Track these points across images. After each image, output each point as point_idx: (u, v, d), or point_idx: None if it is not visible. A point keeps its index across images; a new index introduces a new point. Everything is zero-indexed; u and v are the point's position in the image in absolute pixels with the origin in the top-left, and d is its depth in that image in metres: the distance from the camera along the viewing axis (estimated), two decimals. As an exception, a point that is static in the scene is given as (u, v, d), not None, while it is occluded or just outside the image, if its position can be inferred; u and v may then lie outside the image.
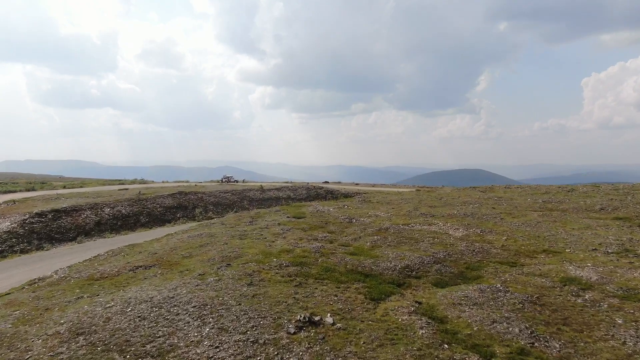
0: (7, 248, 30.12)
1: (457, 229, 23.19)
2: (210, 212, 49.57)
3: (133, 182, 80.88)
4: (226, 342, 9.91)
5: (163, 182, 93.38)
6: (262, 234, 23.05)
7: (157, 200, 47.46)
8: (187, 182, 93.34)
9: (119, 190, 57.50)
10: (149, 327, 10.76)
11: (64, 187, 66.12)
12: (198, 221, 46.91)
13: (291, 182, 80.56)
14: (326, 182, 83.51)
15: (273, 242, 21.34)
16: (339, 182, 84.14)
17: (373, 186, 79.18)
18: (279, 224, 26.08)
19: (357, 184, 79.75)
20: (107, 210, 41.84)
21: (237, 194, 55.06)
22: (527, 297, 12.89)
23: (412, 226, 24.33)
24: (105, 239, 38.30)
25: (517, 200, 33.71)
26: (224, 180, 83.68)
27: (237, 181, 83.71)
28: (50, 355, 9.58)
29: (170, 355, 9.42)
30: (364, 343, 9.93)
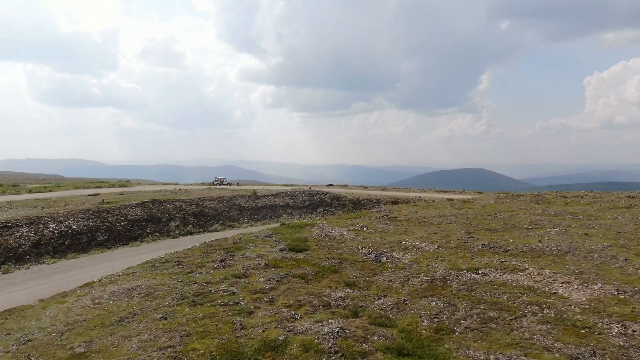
0: None
1: (569, 282, 13.41)
2: (190, 226, 39.78)
3: (117, 184, 71.13)
4: None
5: (150, 183, 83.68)
6: (234, 293, 13.30)
7: (122, 211, 37.68)
8: (176, 184, 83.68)
9: (88, 195, 47.76)
10: None
11: (30, 192, 56.26)
12: (173, 237, 37.18)
13: (291, 186, 70.80)
14: (330, 185, 73.66)
15: (250, 315, 11.61)
16: (345, 185, 74.23)
17: (384, 189, 69.29)
18: (266, 264, 16.29)
19: (365, 187, 69.93)
20: (52, 225, 32.04)
21: (225, 202, 45.27)
22: None
23: (486, 274, 14.54)
24: (43, 265, 28.60)
25: (603, 218, 23.89)
26: (215, 182, 73.89)
27: (230, 184, 73.88)
28: None
29: None
30: None
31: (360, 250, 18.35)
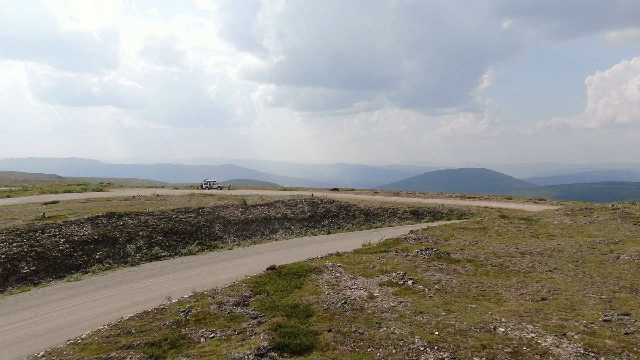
0: None
1: None
2: (158, 247, 30.17)
3: (91, 188, 61.52)
4: None
5: (133, 186, 74.03)
6: None
7: (64, 229, 28.07)
8: (162, 187, 74.03)
9: (44, 204, 38.15)
10: None
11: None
12: (132, 264, 27.63)
13: (289, 190, 61.09)
14: (335, 190, 64.02)
15: None
16: (352, 190, 64.48)
17: (397, 195, 59.55)
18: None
19: (376, 192, 60.29)
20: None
21: (206, 214, 35.64)
22: None
23: None
24: None
25: None
26: (204, 186, 64.25)
27: (220, 187, 64.22)
28: None
29: None
30: None
31: (420, 352, 8.74)
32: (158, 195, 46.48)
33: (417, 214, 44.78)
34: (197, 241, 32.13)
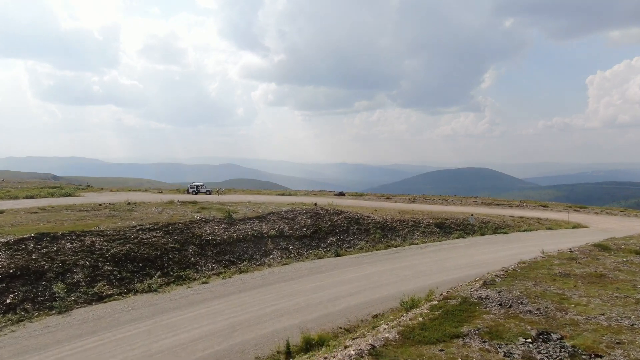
0: None
1: None
2: (104, 282, 21.70)
3: (59, 192, 52.98)
4: None
5: (113, 190, 65.52)
6: None
7: (-35, 260, 19.52)
8: (145, 191, 65.58)
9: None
10: None
11: None
12: (59, 311, 19.11)
13: (288, 195, 52.62)
14: (341, 195, 55.49)
15: None
16: (361, 195, 55.97)
17: (413, 200, 50.96)
18: None
19: (388, 198, 51.69)
20: None
21: (177, 233, 27.07)
22: None
23: None
24: None
25: None
26: (190, 190, 55.75)
27: (209, 191, 55.71)
28: None
29: None
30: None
31: None
32: (129, 203, 37.93)
33: (443, 228, 36.25)
34: (160, 271, 23.58)
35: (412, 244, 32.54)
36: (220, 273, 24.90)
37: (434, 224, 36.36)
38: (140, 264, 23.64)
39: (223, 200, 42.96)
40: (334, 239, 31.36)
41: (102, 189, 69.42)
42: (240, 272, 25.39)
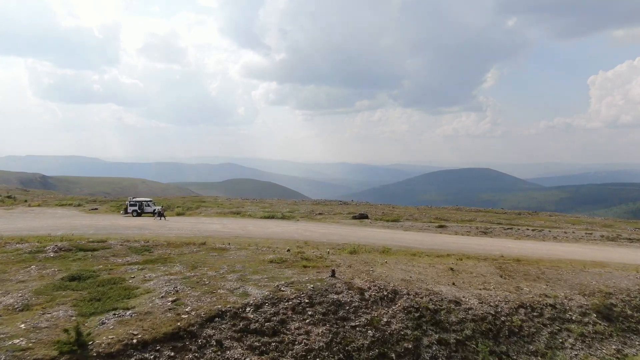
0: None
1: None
2: None
3: None
4: None
5: (31, 205, 45.36)
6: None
7: None
8: (80, 206, 45.04)
9: None
10: None
11: None
12: None
13: (280, 227, 32.30)
14: (363, 217, 35.06)
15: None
16: (396, 220, 35.37)
17: (485, 232, 30.25)
18: None
19: (443, 226, 30.97)
20: None
21: None
22: None
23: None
24: None
25: None
26: (130, 209, 35.52)
27: (160, 213, 35.08)
28: None
29: None
30: None
31: None
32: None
33: (613, 320, 15.92)
34: None
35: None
36: None
37: (592, 311, 16.00)
38: None
39: (159, 237, 22.59)
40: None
41: (26, 200, 49.24)
42: None
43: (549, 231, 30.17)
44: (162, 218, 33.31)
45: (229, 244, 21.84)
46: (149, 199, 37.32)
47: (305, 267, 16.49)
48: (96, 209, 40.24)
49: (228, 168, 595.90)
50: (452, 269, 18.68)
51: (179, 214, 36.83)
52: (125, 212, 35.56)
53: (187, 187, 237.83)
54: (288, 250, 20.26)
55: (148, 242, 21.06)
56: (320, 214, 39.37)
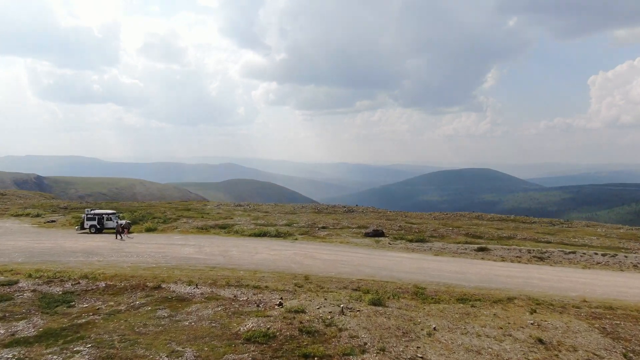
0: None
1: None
2: None
3: None
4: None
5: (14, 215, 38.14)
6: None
7: None
8: (26, 216, 37.83)
9: None
10: None
11: None
12: None
13: (274, 250, 25.22)
14: (378, 234, 28.03)
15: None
16: (422, 240, 28.09)
17: (541, 258, 23.28)
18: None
19: (483, 249, 24.08)
20: None
21: None
22: None
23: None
24: None
25: None
26: (88, 224, 28.52)
27: (125, 229, 27.94)
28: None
29: None
30: None
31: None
32: None
33: None
34: None
35: None
36: None
37: None
38: None
39: (107, 269, 15.58)
40: None
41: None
42: None
43: (625, 257, 23.18)
44: (122, 237, 26.21)
45: (197, 285, 14.94)
46: (111, 212, 30.33)
47: (306, 357, 9.37)
48: (54, 221, 33.27)
49: (228, 168, 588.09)
50: (541, 340, 11.55)
51: (148, 230, 29.74)
52: (82, 227, 28.71)
53: (186, 188, 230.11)
54: (280, 304, 13.16)
55: (81, 281, 14.08)
56: (323, 227, 32.38)
